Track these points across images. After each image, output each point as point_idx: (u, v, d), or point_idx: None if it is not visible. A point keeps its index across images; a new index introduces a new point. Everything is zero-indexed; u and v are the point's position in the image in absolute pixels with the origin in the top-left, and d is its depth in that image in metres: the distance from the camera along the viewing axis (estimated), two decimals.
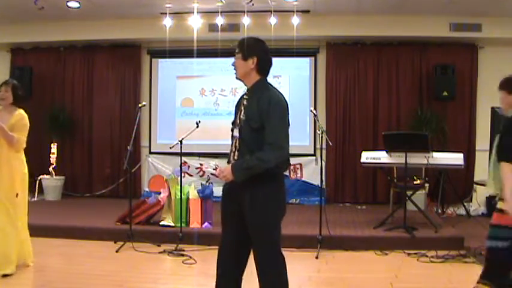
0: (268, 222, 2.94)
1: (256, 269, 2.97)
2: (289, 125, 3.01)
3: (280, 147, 2.89)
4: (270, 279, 2.96)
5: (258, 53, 2.99)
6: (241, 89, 8.51)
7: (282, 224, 3.04)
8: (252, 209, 2.90)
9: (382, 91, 8.20)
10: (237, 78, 3.08)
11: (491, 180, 3.49)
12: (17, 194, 4.47)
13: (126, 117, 8.56)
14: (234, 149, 3.00)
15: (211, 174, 8.39)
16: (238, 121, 3.01)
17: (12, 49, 8.90)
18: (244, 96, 3.05)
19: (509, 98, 3.56)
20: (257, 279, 2.99)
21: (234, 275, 3.05)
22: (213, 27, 7.79)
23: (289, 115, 3.00)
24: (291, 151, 3.03)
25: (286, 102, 2.99)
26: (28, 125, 4.60)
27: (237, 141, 2.98)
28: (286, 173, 7.83)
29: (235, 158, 2.97)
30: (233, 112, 3.13)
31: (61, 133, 8.56)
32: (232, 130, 3.07)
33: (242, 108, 3.00)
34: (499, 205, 3.30)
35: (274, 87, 3.03)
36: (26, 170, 4.64)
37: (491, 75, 7.91)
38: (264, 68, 3.02)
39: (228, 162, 3.03)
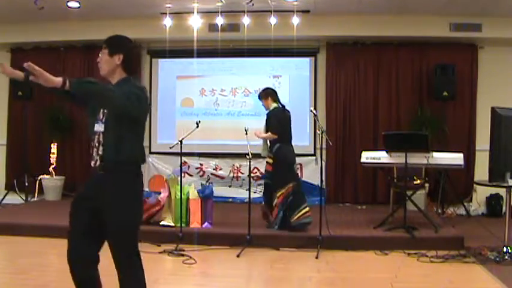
0: (129, 221, 2.97)
1: (116, 267, 3.00)
2: (146, 111, 3.03)
3: (129, 103, 2.75)
4: (128, 279, 3.03)
5: (124, 50, 2.92)
6: (241, 89, 8.64)
7: None
8: (113, 208, 2.91)
9: (382, 91, 8.19)
10: (102, 75, 3.00)
11: (263, 148, 6.00)
12: None
13: None
14: (97, 145, 3.00)
15: (211, 174, 8.44)
16: (101, 116, 2.94)
17: (12, 49, 8.88)
18: None
19: (268, 102, 6.01)
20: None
21: (87, 272, 3.12)
22: (213, 27, 7.78)
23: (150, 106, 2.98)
24: None
25: (146, 98, 2.95)
26: None
27: (100, 136, 2.97)
28: None
29: (100, 152, 2.98)
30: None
31: (61, 133, 8.54)
32: (91, 129, 3.02)
33: None
34: (267, 160, 5.94)
35: (138, 85, 2.97)
36: None
37: (491, 75, 7.95)
38: (129, 66, 2.95)
39: (92, 159, 3.04)
